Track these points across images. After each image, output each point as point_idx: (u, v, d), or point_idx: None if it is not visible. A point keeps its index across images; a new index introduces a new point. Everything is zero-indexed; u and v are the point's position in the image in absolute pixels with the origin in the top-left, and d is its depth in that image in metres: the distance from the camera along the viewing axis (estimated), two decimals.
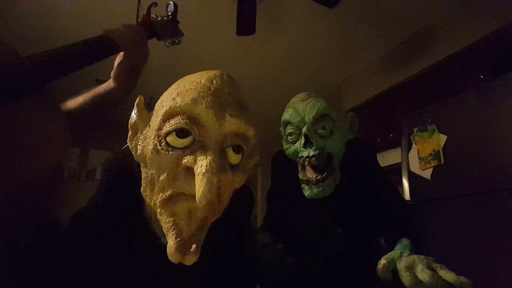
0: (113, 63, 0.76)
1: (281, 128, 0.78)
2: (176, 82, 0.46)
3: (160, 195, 0.40)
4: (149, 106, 0.46)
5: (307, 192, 0.71)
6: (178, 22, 0.83)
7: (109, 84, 0.74)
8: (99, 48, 0.67)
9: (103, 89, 0.74)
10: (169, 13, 0.81)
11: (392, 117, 2.25)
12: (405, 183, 1.68)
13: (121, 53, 0.74)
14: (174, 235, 0.38)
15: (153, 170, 0.41)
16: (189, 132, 0.40)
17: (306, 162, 0.71)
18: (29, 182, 0.53)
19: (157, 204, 0.40)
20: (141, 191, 0.44)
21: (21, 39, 1.78)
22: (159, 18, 0.80)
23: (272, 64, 2.75)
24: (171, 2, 0.81)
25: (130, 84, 0.76)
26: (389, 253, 0.56)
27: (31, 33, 2.18)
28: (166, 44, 0.87)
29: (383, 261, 0.55)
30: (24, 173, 0.52)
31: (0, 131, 0.50)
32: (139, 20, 0.80)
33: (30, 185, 0.53)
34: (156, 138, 0.41)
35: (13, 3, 1.97)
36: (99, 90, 0.73)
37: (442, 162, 1.50)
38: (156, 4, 0.82)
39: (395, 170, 1.81)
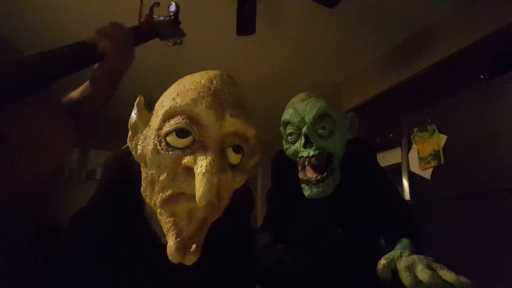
0: None
1: (281, 128, 0.78)
2: (176, 82, 0.46)
3: (160, 195, 0.40)
4: (149, 106, 0.46)
5: (307, 192, 0.71)
6: (180, 23, 0.83)
7: (86, 87, 0.70)
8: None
9: (80, 93, 0.69)
10: (171, 14, 0.81)
11: (392, 117, 2.25)
12: (405, 183, 1.68)
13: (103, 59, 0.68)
14: (174, 235, 0.38)
15: (153, 170, 0.41)
16: (189, 132, 0.40)
17: (306, 162, 0.71)
18: (30, 182, 0.53)
19: (157, 204, 0.40)
20: (141, 191, 0.44)
21: (24, 38, 1.78)
22: (161, 18, 0.80)
23: (272, 64, 2.75)
24: (173, 3, 0.81)
25: (110, 89, 0.71)
26: (389, 253, 0.56)
27: (34, 33, 2.18)
28: (168, 44, 0.87)
29: (383, 261, 0.55)
30: (26, 173, 0.52)
31: (4, 131, 0.50)
32: (141, 20, 0.80)
33: (30, 185, 0.53)
34: (156, 138, 0.41)
35: (16, 2, 1.97)
36: (74, 95, 0.69)
37: (442, 162, 1.50)
38: (158, 4, 0.82)
39: (395, 170, 1.81)
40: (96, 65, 0.69)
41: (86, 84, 0.70)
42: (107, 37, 0.65)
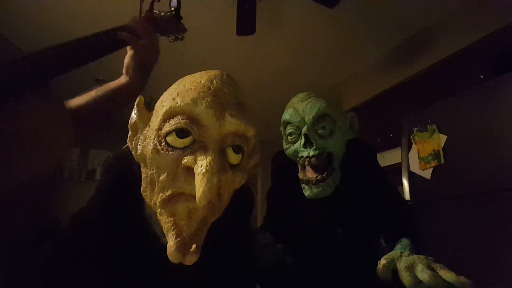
0: (114, 61, 0.76)
1: (281, 128, 0.78)
2: (176, 82, 0.46)
3: (160, 195, 0.40)
4: (149, 106, 0.46)
5: (307, 192, 0.71)
6: (181, 18, 0.82)
7: (121, 80, 0.74)
8: (102, 44, 0.67)
9: (115, 85, 0.74)
10: (172, 9, 0.80)
11: (392, 117, 2.25)
12: (405, 183, 1.68)
13: (132, 50, 0.74)
14: (174, 235, 0.38)
15: (153, 170, 0.41)
16: (189, 132, 0.40)
17: (306, 162, 0.71)
18: (30, 182, 0.53)
19: (157, 204, 0.40)
20: (141, 191, 0.44)
21: (24, 36, 1.78)
22: (162, 14, 0.80)
23: (272, 64, 2.75)
24: None
25: (141, 81, 0.76)
26: (389, 253, 0.56)
27: (33, 31, 2.18)
28: (169, 40, 0.86)
29: (383, 261, 0.54)
30: (26, 171, 0.52)
31: (3, 129, 0.50)
32: (142, 15, 0.80)
33: (30, 185, 0.53)
34: (156, 138, 0.41)
35: (16, 1, 1.97)
36: (111, 85, 0.74)
37: (442, 162, 1.50)
38: None
39: (395, 170, 1.81)
40: (126, 59, 0.74)
41: (119, 78, 0.75)
42: (133, 29, 0.71)
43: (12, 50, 0.58)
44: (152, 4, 0.80)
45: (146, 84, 0.77)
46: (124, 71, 0.75)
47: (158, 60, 0.78)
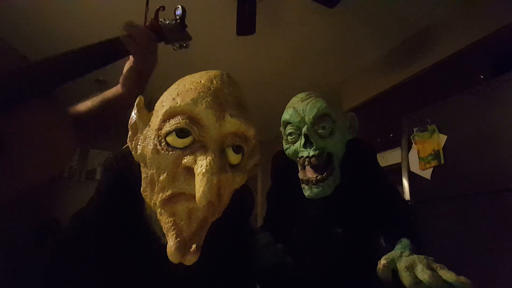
0: (117, 65, 0.76)
1: (281, 128, 0.78)
2: (176, 82, 0.46)
3: (160, 195, 0.40)
4: (149, 106, 0.46)
5: (307, 192, 0.71)
6: (186, 26, 0.83)
7: (118, 89, 0.74)
8: (107, 52, 0.68)
9: (112, 94, 0.74)
10: (177, 17, 0.81)
11: (392, 117, 2.25)
12: (405, 183, 1.68)
13: (132, 60, 0.74)
14: (174, 235, 0.38)
15: (153, 170, 0.41)
16: (189, 132, 0.40)
17: (306, 162, 0.71)
18: (31, 183, 0.53)
19: (157, 204, 0.40)
20: (141, 191, 0.44)
21: (28, 42, 1.78)
22: (167, 22, 0.80)
23: (272, 64, 2.75)
24: (179, 6, 0.81)
25: (138, 89, 0.76)
26: (389, 253, 0.56)
27: (38, 37, 2.18)
28: (174, 48, 0.86)
29: (383, 261, 0.54)
30: (31, 176, 0.52)
31: (9, 135, 0.50)
32: (147, 24, 0.80)
33: (31, 185, 0.53)
34: (156, 138, 0.41)
35: (21, 6, 1.97)
36: (108, 94, 0.74)
37: (442, 162, 1.50)
38: (164, 8, 0.82)
39: (395, 170, 1.81)
40: (125, 67, 0.74)
41: (117, 86, 0.75)
42: (131, 37, 0.70)
43: (17, 57, 0.59)
44: (157, 13, 0.80)
45: (142, 93, 0.77)
46: (121, 80, 0.74)
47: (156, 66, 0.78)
